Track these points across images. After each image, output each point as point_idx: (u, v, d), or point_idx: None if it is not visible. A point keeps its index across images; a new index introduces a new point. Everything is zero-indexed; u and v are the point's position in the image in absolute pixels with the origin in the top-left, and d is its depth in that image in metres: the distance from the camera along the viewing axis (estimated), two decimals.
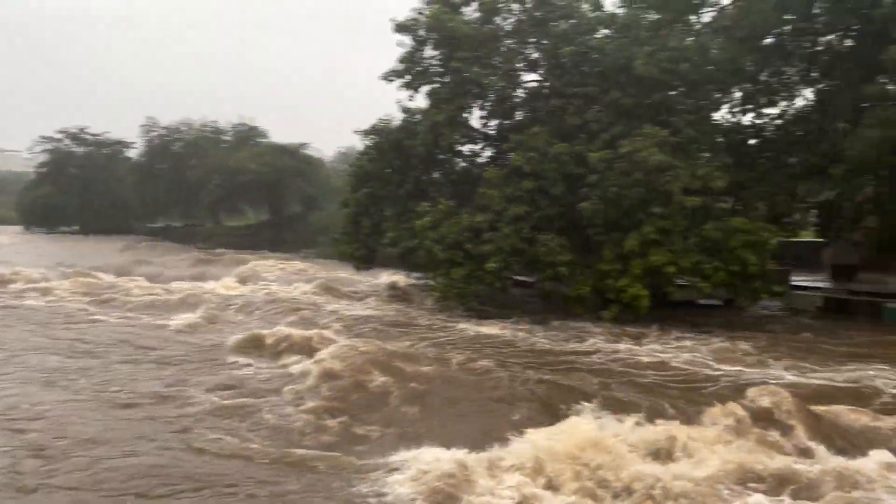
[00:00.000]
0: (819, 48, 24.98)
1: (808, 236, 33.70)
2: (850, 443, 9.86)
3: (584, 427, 9.50)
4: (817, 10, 23.77)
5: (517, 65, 25.30)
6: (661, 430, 9.61)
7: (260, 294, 25.99)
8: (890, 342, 17.77)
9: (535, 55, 25.26)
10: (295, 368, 14.06)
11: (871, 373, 14.28)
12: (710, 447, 9.13)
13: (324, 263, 39.60)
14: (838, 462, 8.97)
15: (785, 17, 23.62)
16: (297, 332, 16.60)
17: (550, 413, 11.15)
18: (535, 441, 9.13)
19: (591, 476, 8.38)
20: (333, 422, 11.13)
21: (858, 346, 17.40)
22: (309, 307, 23.01)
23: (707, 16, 26.04)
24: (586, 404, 11.25)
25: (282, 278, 32.54)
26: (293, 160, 61.70)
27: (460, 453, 8.97)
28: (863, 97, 21.48)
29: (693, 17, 25.68)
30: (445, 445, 9.34)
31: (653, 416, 10.59)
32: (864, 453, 9.19)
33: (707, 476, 8.45)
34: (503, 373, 13.75)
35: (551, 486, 8.26)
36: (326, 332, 16.92)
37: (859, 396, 12.58)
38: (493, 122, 26.59)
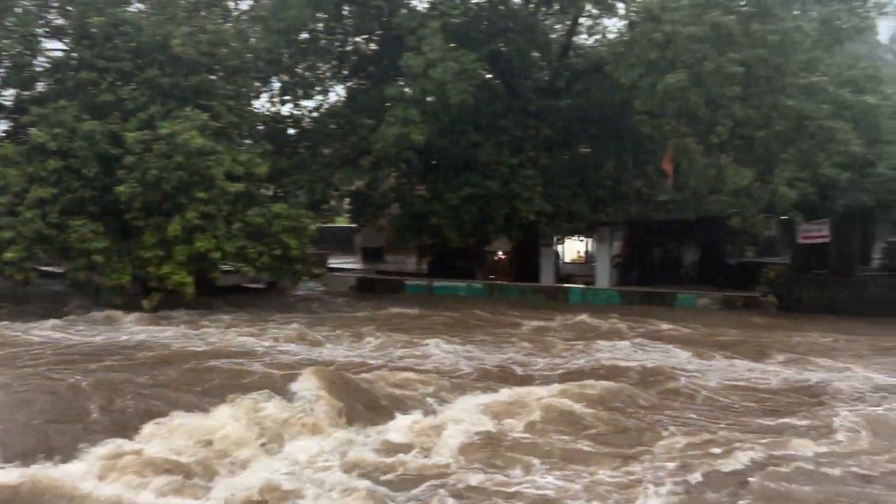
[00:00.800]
0: (349, 48, 27.27)
1: (343, 222, 36.71)
2: (384, 409, 10.60)
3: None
4: (346, 13, 25.83)
5: (37, 30, 22.45)
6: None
7: None
8: (409, 314, 20.42)
9: (60, 21, 22.72)
10: None
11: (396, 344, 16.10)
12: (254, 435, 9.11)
13: None
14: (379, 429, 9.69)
15: (318, 14, 25.16)
16: None
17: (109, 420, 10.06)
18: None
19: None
20: None
21: (386, 320, 19.42)
22: None
23: (245, 4, 26.51)
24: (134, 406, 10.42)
25: None
26: None
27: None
28: (385, 96, 24.01)
29: (232, 4, 25.86)
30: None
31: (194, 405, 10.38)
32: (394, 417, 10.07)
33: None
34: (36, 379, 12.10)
35: None
36: None
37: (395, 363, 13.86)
38: (10, 92, 23.23)
